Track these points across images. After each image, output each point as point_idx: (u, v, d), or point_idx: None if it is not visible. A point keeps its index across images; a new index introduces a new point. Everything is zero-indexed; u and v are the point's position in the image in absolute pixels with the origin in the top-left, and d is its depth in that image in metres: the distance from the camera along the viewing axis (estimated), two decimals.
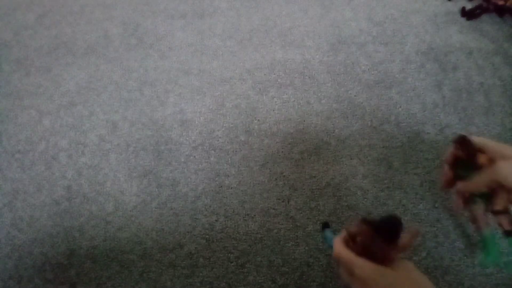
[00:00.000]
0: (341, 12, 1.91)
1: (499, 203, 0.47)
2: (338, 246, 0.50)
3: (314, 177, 1.29)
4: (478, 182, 0.49)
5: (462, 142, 0.51)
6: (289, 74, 1.62)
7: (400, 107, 1.47)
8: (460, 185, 0.51)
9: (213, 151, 1.39)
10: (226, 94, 1.57)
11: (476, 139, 0.52)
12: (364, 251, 0.48)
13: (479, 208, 0.49)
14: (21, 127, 1.53)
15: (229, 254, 1.15)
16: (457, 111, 1.44)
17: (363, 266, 0.47)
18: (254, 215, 1.22)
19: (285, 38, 1.79)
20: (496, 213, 0.47)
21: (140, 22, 1.96)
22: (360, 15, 1.88)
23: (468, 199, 0.50)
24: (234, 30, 1.86)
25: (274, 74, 1.63)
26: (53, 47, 1.86)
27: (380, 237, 0.50)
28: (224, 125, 1.46)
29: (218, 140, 1.42)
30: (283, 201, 1.24)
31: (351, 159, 1.33)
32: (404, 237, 0.50)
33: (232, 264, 1.13)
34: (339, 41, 1.75)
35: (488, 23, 1.78)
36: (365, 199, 1.22)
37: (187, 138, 1.43)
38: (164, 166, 1.36)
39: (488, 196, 0.48)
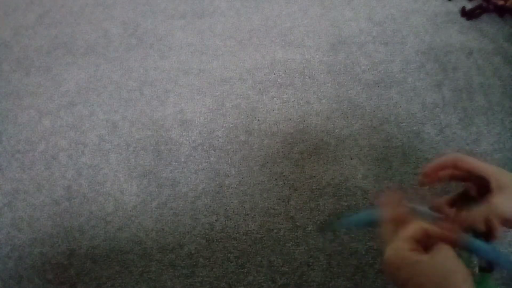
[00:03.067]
0: (341, 12, 1.91)
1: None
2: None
3: (314, 177, 1.29)
4: (476, 216, 0.47)
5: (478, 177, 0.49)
6: (289, 74, 1.62)
7: (400, 107, 1.47)
8: (461, 215, 0.49)
9: (213, 151, 1.39)
10: (226, 94, 1.57)
11: (475, 164, 0.50)
12: None
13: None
14: (21, 127, 1.53)
15: (229, 254, 1.15)
16: (457, 111, 1.44)
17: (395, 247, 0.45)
18: (254, 215, 1.22)
19: (285, 38, 1.79)
20: None
21: (140, 22, 1.96)
22: (360, 15, 1.88)
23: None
24: (234, 30, 1.86)
25: (274, 74, 1.63)
26: (53, 47, 1.86)
27: None
28: (224, 125, 1.46)
29: (218, 140, 1.42)
30: (283, 201, 1.24)
31: (351, 159, 1.33)
32: None
33: (232, 264, 1.13)
34: (339, 41, 1.75)
35: (488, 23, 1.78)
36: (365, 199, 1.23)
37: (187, 138, 1.43)
38: (164, 166, 1.36)
39: (484, 234, 0.46)
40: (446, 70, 1.59)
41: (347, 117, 1.45)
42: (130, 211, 1.26)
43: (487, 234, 0.46)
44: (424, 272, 0.43)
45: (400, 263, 0.44)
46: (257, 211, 1.23)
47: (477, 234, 0.47)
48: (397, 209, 0.49)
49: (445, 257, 0.44)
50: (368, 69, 1.62)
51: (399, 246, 0.45)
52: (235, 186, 1.29)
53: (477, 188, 0.50)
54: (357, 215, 0.51)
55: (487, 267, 0.44)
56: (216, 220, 1.22)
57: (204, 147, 1.40)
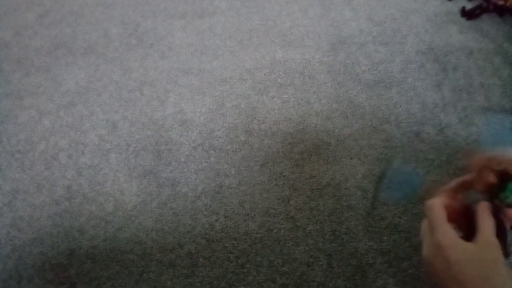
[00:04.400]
0: (341, 12, 1.91)
1: None
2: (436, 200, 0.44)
3: (314, 177, 1.29)
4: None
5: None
6: (289, 74, 1.62)
7: (400, 107, 1.47)
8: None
9: (213, 151, 1.39)
10: (226, 94, 1.57)
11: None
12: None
13: None
14: (21, 127, 1.52)
15: (229, 254, 1.15)
16: (457, 111, 1.44)
17: (446, 233, 0.42)
18: (254, 215, 1.22)
19: (285, 38, 1.79)
20: None
21: (140, 22, 1.96)
22: (360, 15, 1.88)
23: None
24: (234, 30, 1.86)
25: (274, 74, 1.63)
26: (53, 47, 1.86)
27: None
28: (224, 125, 1.46)
29: (218, 140, 1.42)
30: (283, 201, 1.24)
31: (351, 159, 1.33)
32: None
33: (232, 264, 1.13)
34: (339, 41, 1.75)
35: (488, 23, 1.78)
36: (365, 199, 1.23)
37: (187, 138, 1.43)
38: (164, 166, 1.36)
39: None
40: (446, 70, 1.59)
41: (347, 117, 1.45)
42: (130, 211, 1.26)
43: None
44: (466, 262, 0.40)
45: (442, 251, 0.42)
46: (257, 211, 1.23)
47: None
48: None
49: (490, 251, 0.41)
50: (368, 69, 1.62)
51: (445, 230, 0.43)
52: (235, 186, 1.29)
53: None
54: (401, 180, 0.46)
55: None
56: (216, 220, 1.22)
57: (204, 147, 1.40)
